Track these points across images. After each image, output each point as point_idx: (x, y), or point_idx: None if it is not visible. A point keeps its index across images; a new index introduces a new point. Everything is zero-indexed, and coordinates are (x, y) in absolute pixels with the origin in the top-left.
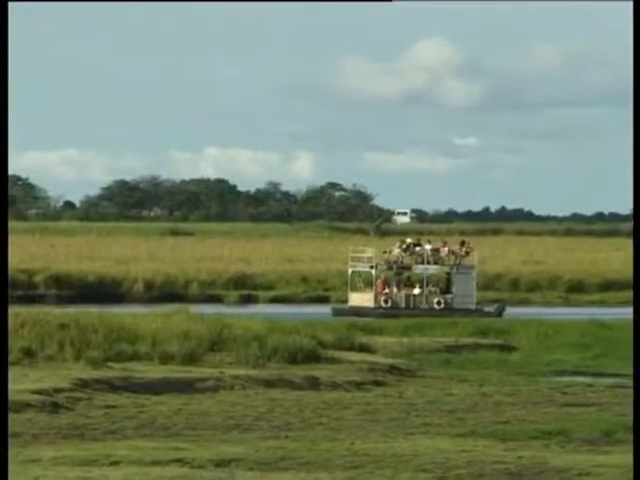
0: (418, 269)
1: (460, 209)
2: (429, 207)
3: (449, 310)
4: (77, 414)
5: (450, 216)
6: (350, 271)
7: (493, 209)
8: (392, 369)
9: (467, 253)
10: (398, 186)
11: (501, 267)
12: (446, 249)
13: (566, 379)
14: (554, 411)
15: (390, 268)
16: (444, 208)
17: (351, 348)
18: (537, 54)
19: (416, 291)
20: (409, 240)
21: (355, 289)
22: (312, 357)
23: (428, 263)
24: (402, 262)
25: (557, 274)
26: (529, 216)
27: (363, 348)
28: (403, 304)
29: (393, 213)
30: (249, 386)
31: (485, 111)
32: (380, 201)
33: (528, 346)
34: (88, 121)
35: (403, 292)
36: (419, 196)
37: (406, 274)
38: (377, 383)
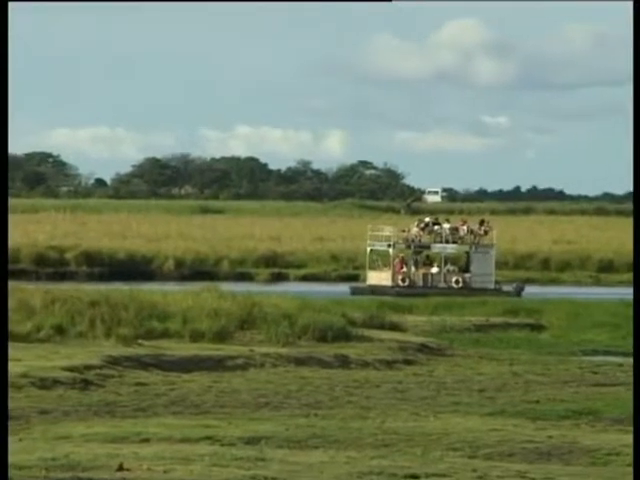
0: (436, 248)
1: (491, 188)
2: (460, 186)
3: (467, 289)
4: (108, 391)
5: (481, 195)
6: (368, 250)
7: (524, 188)
8: (422, 348)
9: (486, 232)
10: (429, 165)
11: (532, 246)
12: (465, 228)
13: (596, 359)
14: (584, 390)
15: (408, 247)
16: (475, 187)
17: (381, 326)
18: (568, 33)
19: (434, 270)
20: (428, 219)
21: (373, 267)
22: (342, 335)
23: (447, 242)
24: (420, 241)
25: (588, 254)
26: (560, 195)
27: (393, 326)
28: (421, 283)
29: (424, 192)
30: (279, 364)
31: (516, 90)
32: (411, 180)
33: (558, 325)
34: (119, 98)
35: (421, 271)
36: (450, 175)
37: (425, 253)
38: (407, 362)
